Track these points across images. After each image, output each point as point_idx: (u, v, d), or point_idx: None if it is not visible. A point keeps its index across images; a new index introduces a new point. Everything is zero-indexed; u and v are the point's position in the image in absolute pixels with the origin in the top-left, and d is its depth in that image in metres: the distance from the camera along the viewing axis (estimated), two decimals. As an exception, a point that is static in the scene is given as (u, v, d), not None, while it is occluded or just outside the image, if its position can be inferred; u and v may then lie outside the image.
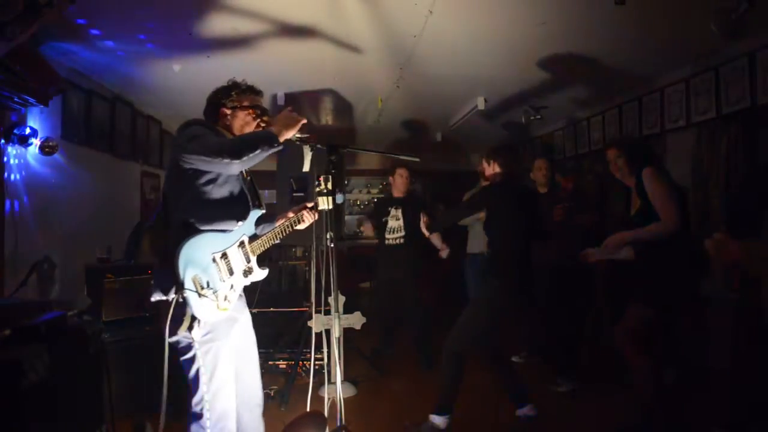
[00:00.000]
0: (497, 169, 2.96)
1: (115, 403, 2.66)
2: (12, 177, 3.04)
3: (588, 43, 3.29)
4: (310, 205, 2.15)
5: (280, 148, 1.79)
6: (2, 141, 2.95)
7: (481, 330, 2.82)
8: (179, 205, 1.80)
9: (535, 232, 2.95)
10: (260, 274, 2.03)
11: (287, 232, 2.08)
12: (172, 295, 1.72)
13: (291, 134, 1.83)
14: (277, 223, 2.10)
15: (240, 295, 2.02)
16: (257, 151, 1.72)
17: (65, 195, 3.54)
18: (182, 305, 1.72)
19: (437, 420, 2.78)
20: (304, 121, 1.86)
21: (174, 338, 1.76)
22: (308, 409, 2.29)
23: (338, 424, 1.97)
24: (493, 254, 2.97)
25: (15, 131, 2.96)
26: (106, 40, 3.15)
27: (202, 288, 1.75)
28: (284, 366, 3.81)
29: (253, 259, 1.99)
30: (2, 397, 1.94)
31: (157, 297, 1.77)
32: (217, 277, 1.82)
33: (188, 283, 1.71)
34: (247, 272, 1.97)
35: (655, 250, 2.57)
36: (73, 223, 3.63)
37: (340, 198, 2.13)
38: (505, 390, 2.90)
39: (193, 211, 1.78)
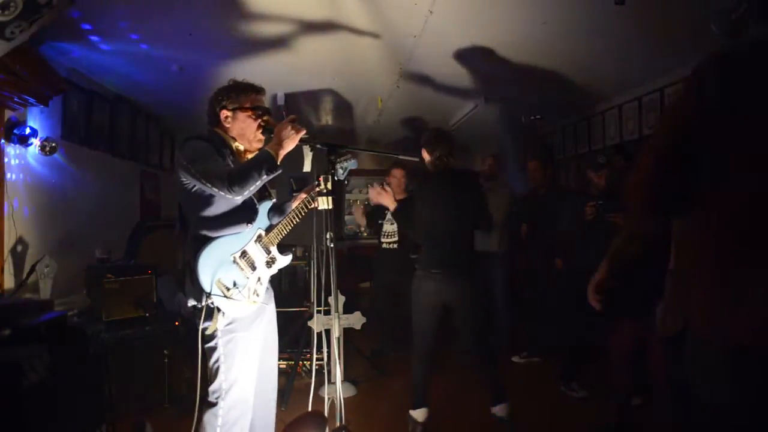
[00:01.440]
0: (426, 159, 2.95)
1: (115, 403, 2.66)
2: (12, 177, 3.04)
3: (588, 43, 3.29)
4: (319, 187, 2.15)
5: (280, 171, 1.80)
6: (2, 141, 2.94)
7: (417, 326, 2.86)
8: (191, 219, 1.87)
9: (477, 218, 2.94)
10: (284, 260, 2.09)
11: (302, 214, 2.11)
12: (203, 302, 1.80)
13: (291, 147, 1.84)
14: (294, 204, 2.15)
15: (267, 288, 2.08)
16: (258, 181, 1.76)
17: (65, 195, 3.54)
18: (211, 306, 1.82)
19: (413, 413, 2.88)
20: (303, 131, 1.86)
21: (203, 325, 1.82)
22: (308, 409, 2.29)
23: (338, 424, 1.97)
24: (421, 245, 2.93)
25: (15, 131, 2.96)
26: (106, 42, 3.15)
27: (228, 289, 1.83)
28: (284, 366, 3.80)
29: (274, 248, 2.05)
30: (2, 397, 1.95)
31: (192, 303, 1.85)
32: (241, 275, 1.89)
33: (214, 289, 1.79)
34: (271, 262, 2.04)
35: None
36: (73, 223, 3.63)
37: (354, 164, 2.11)
38: (485, 386, 2.91)
39: (203, 223, 1.84)
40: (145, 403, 3.03)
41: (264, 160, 1.77)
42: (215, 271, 1.81)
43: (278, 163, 1.79)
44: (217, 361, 1.83)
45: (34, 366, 2.09)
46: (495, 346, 2.99)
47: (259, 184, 1.78)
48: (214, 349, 1.84)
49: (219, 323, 1.81)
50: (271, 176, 1.79)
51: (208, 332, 1.82)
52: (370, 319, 3.72)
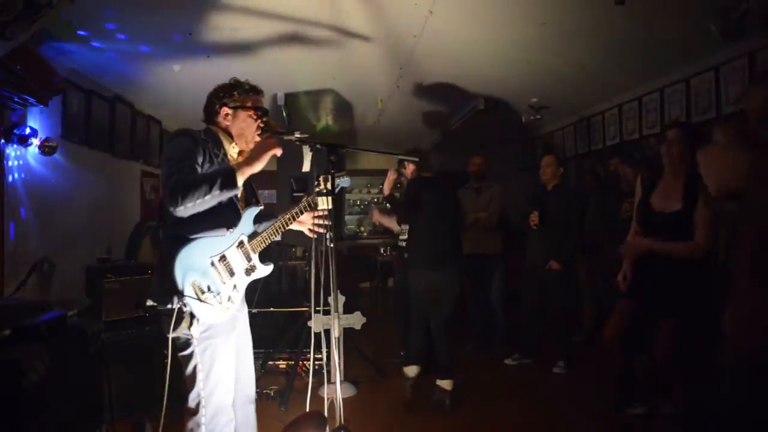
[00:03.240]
0: (411, 168, 3.63)
1: (115, 403, 2.66)
2: (12, 177, 3.04)
3: (588, 43, 3.29)
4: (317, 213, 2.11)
5: (237, 191, 1.72)
6: (2, 141, 2.95)
7: (411, 304, 3.40)
8: (169, 217, 1.76)
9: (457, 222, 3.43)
10: (264, 270, 2.02)
11: (286, 227, 2.03)
12: (174, 304, 1.73)
13: (259, 167, 1.76)
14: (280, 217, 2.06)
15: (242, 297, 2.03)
16: (209, 197, 1.66)
17: (65, 195, 3.54)
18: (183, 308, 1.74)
19: (406, 369, 3.33)
20: (278, 151, 1.79)
21: (174, 334, 1.76)
22: (308, 409, 2.29)
23: (338, 424, 1.97)
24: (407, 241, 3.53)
25: (15, 131, 2.96)
26: (105, 43, 3.15)
27: (203, 293, 1.77)
28: (284, 366, 3.80)
29: (255, 256, 1.97)
30: (2, 397, 1.94)
31: (151, 303, 1.78)
32: (218, 280, 1.83)
33: (188, 290, 1.73)
34: (250, 270, 1.97)
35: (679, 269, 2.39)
36: (73, 223, 3.63)
37: (347, 181, 2.11)
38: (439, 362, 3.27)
39: (181, 223, 1.75)
40: (145, 403, 3.03)
41: (221, 174, 1.67)
42: (191, 272, 1.75)
43: (238, 183, 1.68)
44: (194, 369, 1.79)
45: (34, 366, 2.08)
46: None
47: (209, 200, 1.66)
48: (190, 357, 1.79)
49: (194, 331, 1.75)
50: (226, 195, 1.68)
51: (177, 333, 1.74)
52: (375, 320, 3.72)
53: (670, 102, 4.00)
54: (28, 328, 2.19)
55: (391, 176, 3.58)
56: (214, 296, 1.80)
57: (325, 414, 2.16)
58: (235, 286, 1.90)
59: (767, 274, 1.02)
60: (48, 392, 2.14)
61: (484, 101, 4.53)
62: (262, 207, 2.05)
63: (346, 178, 2.10)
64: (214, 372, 1.81)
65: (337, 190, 2.06)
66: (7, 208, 2.97)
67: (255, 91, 1.98)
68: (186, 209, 1.66)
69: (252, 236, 1.98)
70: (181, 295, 1.72)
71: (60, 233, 3.45)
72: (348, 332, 3.60)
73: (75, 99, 3.70)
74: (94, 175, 3.96)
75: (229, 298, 1.87)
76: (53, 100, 3.19)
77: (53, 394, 2.17)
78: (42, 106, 3.12)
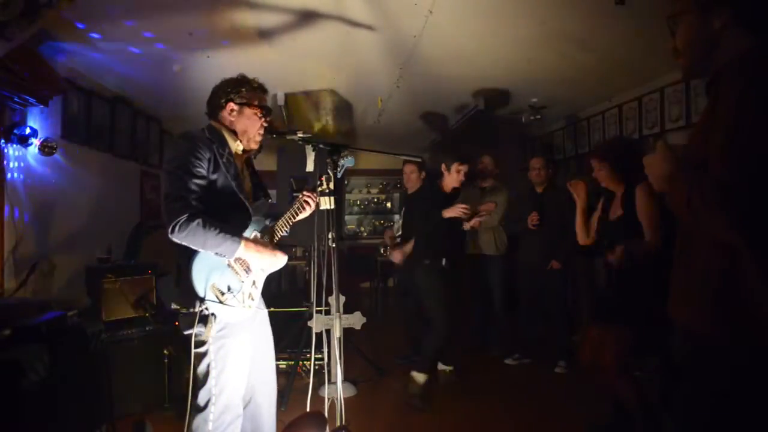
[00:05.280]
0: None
1: (115, 403, 2.66)
2: (12, 177, 3.04)
3: (588, 42, 3.29)
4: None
5: (225, 259, 1.81)
6: (2, 141, 2.94)
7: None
8: None
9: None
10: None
11: (294, 219, 2.06)
12: (197, 308, 1.75)
13: (259, 263, 1.90)
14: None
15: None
16: (203, 248, 1.73)
17: (65, 195, 3.54)
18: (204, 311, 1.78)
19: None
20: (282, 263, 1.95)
21: (189, 331, 1.78)
22: (308, 409, 2.29)
23: (338, 424, 1.97)
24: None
25: (15, 131, 2.96)
26: (105, 42, 3.15)
27: (223, 294, 1.80)
28: (284, 366, 3.80)
29: None
30: (2, 397, 1.94)
31: (176, 306, 1.81)
32: (236, 279, 1.85)
33: (209, 294, 1.76)
34: None
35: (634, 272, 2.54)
36: (73, 223, 3.63)
37: (351, 161, 2.11)
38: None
39: None
40: (145, 403, 3.03)
41: (227, 241, 1.73)
42: (209, 275, 1.77)
43: (234, 255, 1.78)
44: (207, 366, 1.80)
45: (34, 366, 2.08)
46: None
47: (202, 249, 1.74)
48: (204, 354, 1.80)
49: (211, 330, 1.77)
50: (215, 255, 1.77)
51: (202, 339, 1.78)
52: (378, 321, 3.72)
53: (670, 102, 4.00)
54: (28, 328, 2.19)
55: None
56: (235, 296, 1.82)
57: (326, 414, 2.16)
58: (254, 283, 1.92)
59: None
60: (48, 392, 2.14)
61: (484, 101, 4.54)
62: (270, 200, 2.06)
63: (349, 158, 2.10)
64: (226, 371, 1.82)
65: (341, 171, 2.06)
66: (7, 208, 2.97)
67: (262, 89, 1.98)
68: (178, 241, 1.71)
69: (264, 231, 1.99)
70: (202, 299, 1.74)
71: (60, 233, 3.44)
72: (348, 332, 3.60)
73: (75, 99, 3.69)
74: (94, 175, 3.96)
75: (250, 295, 1.89)
76: (53, 100, 3.19)
77: (53, 394, 2.17)
78: (42, 106, 3.12)
